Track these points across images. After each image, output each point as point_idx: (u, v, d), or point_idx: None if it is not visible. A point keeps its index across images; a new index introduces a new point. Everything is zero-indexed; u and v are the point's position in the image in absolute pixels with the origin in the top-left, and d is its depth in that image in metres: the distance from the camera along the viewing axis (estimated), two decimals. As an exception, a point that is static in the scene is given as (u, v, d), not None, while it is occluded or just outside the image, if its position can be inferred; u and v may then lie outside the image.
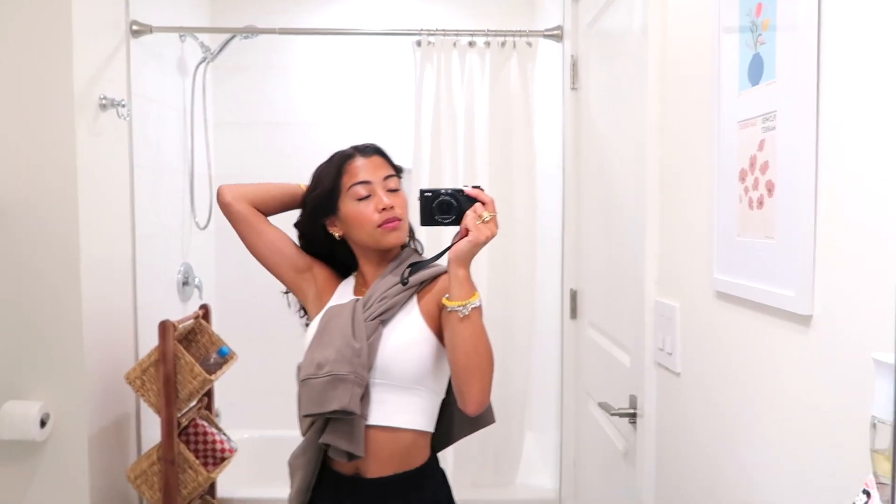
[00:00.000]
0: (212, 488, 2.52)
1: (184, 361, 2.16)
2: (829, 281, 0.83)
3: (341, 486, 1.34)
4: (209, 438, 2.36)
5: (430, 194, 1.26)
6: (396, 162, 1.46)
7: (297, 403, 1.34)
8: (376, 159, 1.40)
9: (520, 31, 2.51)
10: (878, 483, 0.63)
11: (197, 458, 2.29)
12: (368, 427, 1.30)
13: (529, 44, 2.52)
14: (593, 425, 2.04)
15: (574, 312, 2.33)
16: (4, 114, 2.01)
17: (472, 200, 1.25)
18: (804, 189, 0.86)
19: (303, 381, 1.28)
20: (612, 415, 1.62)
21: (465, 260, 1.23)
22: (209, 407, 2.52)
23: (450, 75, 2.51)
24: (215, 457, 2.35)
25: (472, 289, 1.24)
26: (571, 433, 2.37)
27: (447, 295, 1.25)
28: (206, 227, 2.96)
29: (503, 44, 2.51)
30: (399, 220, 1.36)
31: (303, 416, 1.31)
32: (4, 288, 2.03)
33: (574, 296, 2.33)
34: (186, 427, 2.35)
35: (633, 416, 1.59)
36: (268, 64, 3.25)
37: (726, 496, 1.12)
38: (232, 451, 2.38)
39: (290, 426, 3.16)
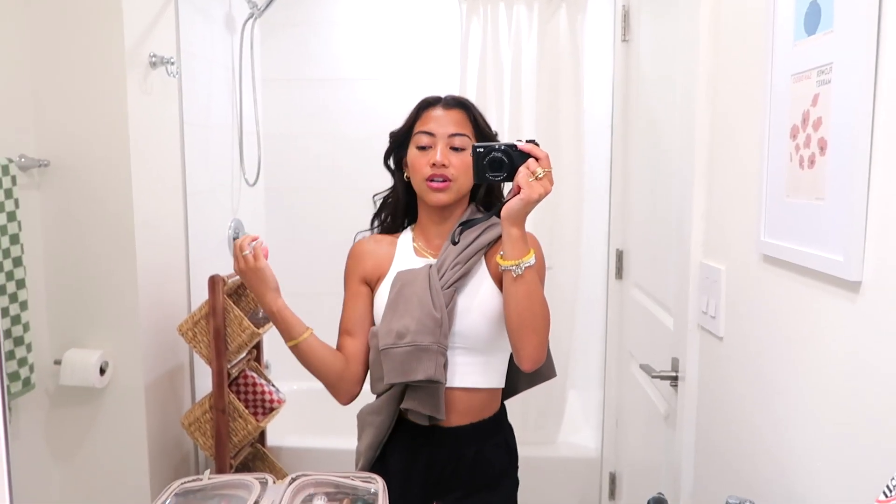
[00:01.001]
0: (262, 437, 2.61)
1: (233, 315, 2.22)
2: (881, 246, 0.78)
3: (417, 436, 1.37)
4: (258, 389, 2.43)
5: (482, 150, 1.22)
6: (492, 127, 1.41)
7: (371, 366, 1.38)
8: (455, 114, 1.37)
9: (569, -20, 2.42)
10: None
11: (247, 407, 2.38)
12: (447, 389, 1.33)
13: (579, -6, 2.43)
14: (635, 387, 2.02)
15: (620, 273, 2.29)
16: (57, 72, 2.06)
17: (525, 156, 1.20)
18: (858, 148, 0.81)
19: (384, 351, 1.29)
20: (654, 377, 1.60)
21: (518, 218, 1.19)
22: (258, 359, 2.59)
23: (496, 28, 2.45)
24: (264, 407, 2.43)
25: (525, 248, 1.21)
26: (614, 394, 2.36)
27: (501, 252, 1.24)
28: (254, 183, 3.00)
29: (552, -5, 2.43)
30: (448, 180, 1.33)
31: (386, 384, 1.32)
32: (62, 242, 2.11)
33: (620, 256, 2.29)
34: (237, 378, 2.43)
35: (674, 380, 1.57)
36: (315, 19, 3.24)
37: (765, 465, 1.09)
38: (280, 401, 2.46)
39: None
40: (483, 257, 1.36)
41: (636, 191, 2.10)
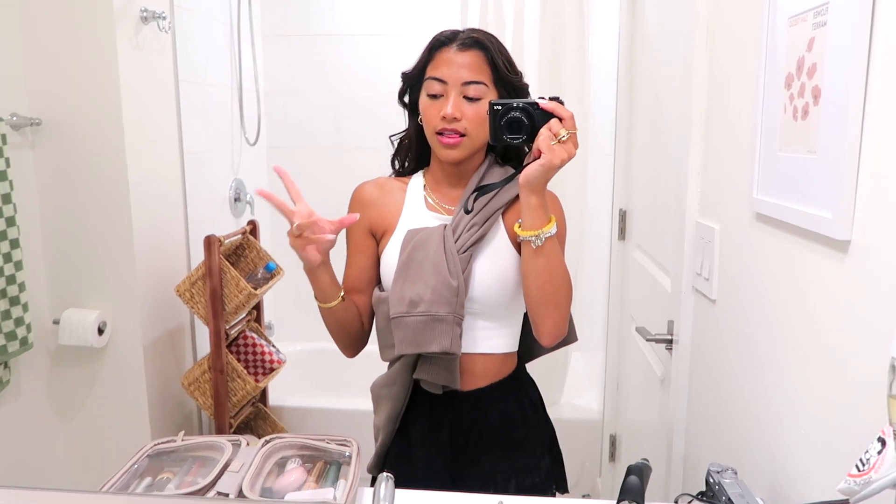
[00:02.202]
0: (264, 396, 2.62)
1: (230, 276, 2.21)
2: (872, 204, 0.73)
3: (436, 403, 1.29)
4: (258, 350, 2.43)
5: (499, 108, 1.10)
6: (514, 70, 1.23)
7: (379, 332, 1.30)
8: (472, 56, 1.19)
9: (575, -72, 2.31)
10: (895, 431, 0.56)
11: (246, 368, 2.38)
12: (462, 355, 1.25)
13: (585, -57, 2.32)
14: (635, 349, 1.99)
15: (622, 233, 2.24)
16: (46, 29, 2.01)
17: (547, 115, 1.07)
18: (851, 97, 0.75)
19: (396, 319, 1.20)
20: (648, 340, 1.56)
21: (538, 185, 1.08)
22: (258, 320, 2.59)
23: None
24: (264, 367, 2.43)
25: (545, 216, 1.11)
26: (615, 356, 2.32)
27: (519, 221, 1.14)
28: (255, 143, 2.96)
29: (556, -56, 2.33)
30: (460, 135, 1.19)
31: (398, 353, 1.23)
32: (58, 202, 2.10)
33: (623, 216, 2.23)
34: (236, 338, 2.43)
35: (669, 343, 1.53)
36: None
37: (750, 431, 1.06)
38: (280, 362, 2.46)
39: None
40: (500, 217, 1.26)
41: (639, 149, 2.03)
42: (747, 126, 1.08)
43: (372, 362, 1.38)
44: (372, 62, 3.17)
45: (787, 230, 0.93)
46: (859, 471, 0.56)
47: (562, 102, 1.09)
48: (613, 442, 2.38)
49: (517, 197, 1.21)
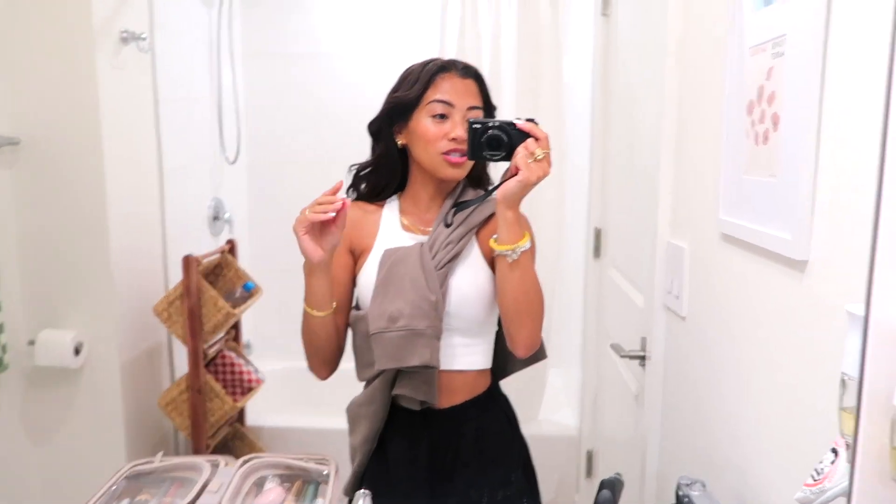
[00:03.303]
0: (241, 416, 2.61)
1: (208, 295, 2.21)
2: (827, 225, 0.76)
3: (414, 421, 1.31)
4: (236, 369, 2.43)
5: (479, 126, 1.15)
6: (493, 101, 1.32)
7: (356, 351, 1.32)
8: (471, 84, 1.28)
9: (550, -46, 2.37)
10: (846, 442, 0.59)
11: (224, 388, 2.37)
12: (439, 372, 1.27)
13: (560, -33, 2.38)
14: (611, 366, 2.02)
15: (598, 251, 2.27)
16: (24, 47, 2.02)
17: (524, 135, 1.13)
18: (807, 123, 0.79)
19: (375, 335, 1.22)
20: (623, 356, 1.59)
21: (514, 201, 1.13)
22: (237, 339, 2.58)
23: (475, 3, 2.40)
24: (242, 387, 2.42)
25: (521, 231, 1.17)
26: (592, 373, 2.35)
27: (495, 236, 1.18)
28: (235, 161, 2.97)
29: (532, -32, 2.38)
30: (465, 156, 1.23)
31: (377, 370, 1.25)
32: (35, 222, 2.09)
33: (598, 234, 2.27)
34: (214, 358, 2.42)
35: (642, 359, 1.56)
36: (296, -7, 3.18)
37: (720, 445, 1.08)
38: (259, 381, 2.45)
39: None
40: (475, 236, 1.30)
41: (614, 169, 2.07)
42: (713, 149, 1.11)
43: (350, 381, 1.39)
44: (351, 80, 3.20)
45: (751, 250, 0.97)
46: (814, 480, 0.59)
47: (536, 123, 1.14)
48: (590, 457, 2.40)
49: (490, 216, 1.28)
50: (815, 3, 0.77)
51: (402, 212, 1.35)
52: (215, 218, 2.89)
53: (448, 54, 2.45)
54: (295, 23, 3.20)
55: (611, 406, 2.07)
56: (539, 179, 1.11)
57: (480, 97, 1.29)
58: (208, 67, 2.86)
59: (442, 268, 1.24)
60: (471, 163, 1.29)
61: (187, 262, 2.17)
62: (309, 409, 2.91)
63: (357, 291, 1.32)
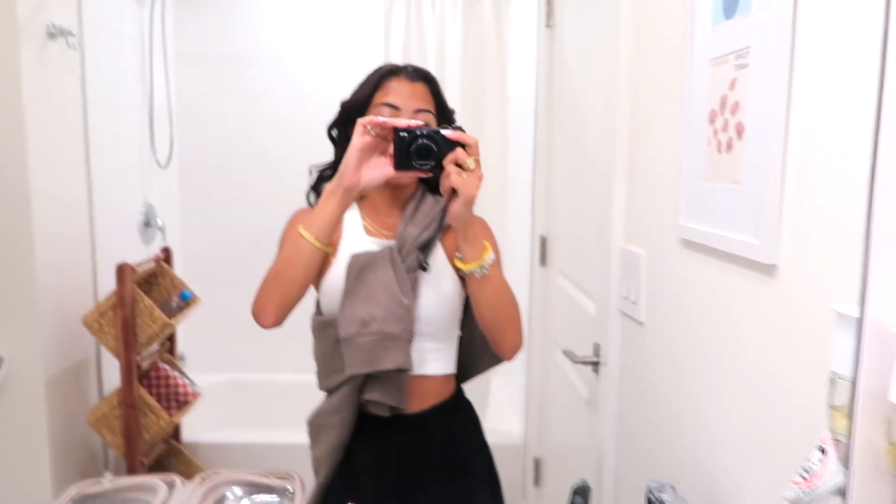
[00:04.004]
0: (177, 432, 2.50)
1: (143, 305, 2.10)
2: (796, 230, 0.79)
3: (382, 429, 1.28)
4: (171, 382, 2.32)
5: (405, 135, 1.11)
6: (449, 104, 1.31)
7: (320, 359, 1.28)
8: (419, 87, 1.26)
9: (495, -36, 2.40)
10: (835, 440, 0.61)
11: (159, 402, 2.26)
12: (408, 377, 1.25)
13: (504, -22, 2.41)
14: (559, 373, 2.04)
15: (543, 259, 2.30)
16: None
17: (451, 143, 1.10)
18: (775, 131, 0.82)
19: (347, 340, 1.19)
20: (576, 362, 1.61)
21: (466, 219, 1.11)
22: (171, 351, 2.47)
23: (420, 12, 2.40)
24: (178, 401, 2.32)
25: (482, 245, 1.15)
26: (537, 380, 2.37)
27: (458, 255, 1.17)
28: (166, 165, 2.85)
29: (477, -22, 2.40)
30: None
31: (347, 375, 1.22)
32: (-50, 227, 1.94)
33: (544, 242, 2.29)
34: (148, 371, 2.31)
35: (595, 365, 1.58)
36: (232, -5, 3.09)
37: (684, 449, 1.11)
38: (195, 395, 2.35)
39: (258, 370, 3.16)
40: (440, 241, 1.29)
41: (560, 177, 2.10)
42: (671, 157, 1.14)
43: (289, 394, 1.34)
44: (289, 85, 3.14)
45: (714, 255, 0.99)
46: (804, 479, 0.60)
47: (464, 130, 1.12)
48: (538, 465, 2.41)
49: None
50: (781, 17, 0.80)
51: (362, 216, 1.32)
52: (146, 224, 2.77)
53: (392, 60, 2.43)
54: (230, 24, 3.12)
55: (559, 413, 2.09)
56: (477, 189, 1.09)
57: (432, 100, 1.28)
58: (139, 68, 2.74)
59: (411, 273, 1.22)
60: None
61: (121, 270, 2.06)
62: (247, 423, 2.82)
63: (320, 296, 1.29)
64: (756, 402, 0.88)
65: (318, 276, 1.28)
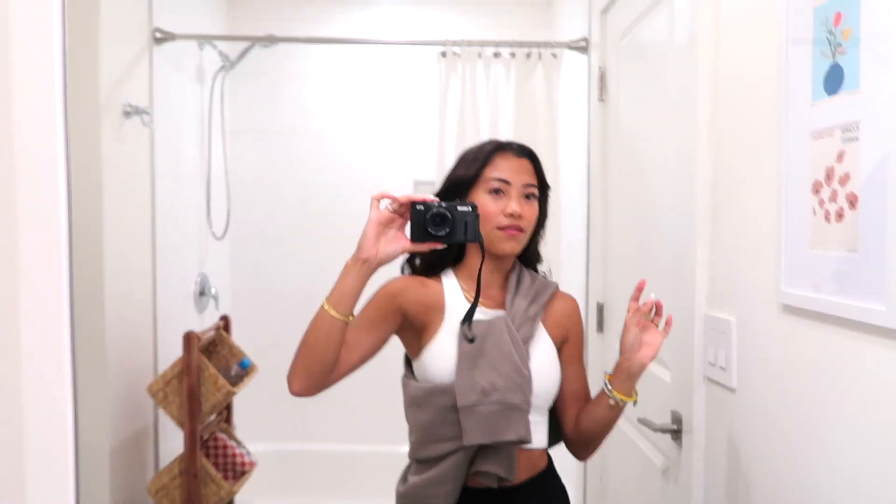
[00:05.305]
0: (230, 501, 2.47)
1: (208, 373, 2.13)
2: (927, 296, 0.81)
3: (482, 500, 1.29)
4: (229, 452, 2.32)
5: (422, 208, 1.18)
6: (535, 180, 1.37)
7: (423, 427, 1.28)
8: (526, 163, 1.34)
9: (545, 42, 2.50)
10: None
11: (217, 471, 2.25)
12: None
13: (554, 55, 2.51)
14: (623, 441, 2.01)
15: (601, 326, 2.31)
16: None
17: (465, 213, 1.18)
18: (893, 202, 0.84)
19: (466, 409, 1.21)
20: (655, 430, 1.59)
21: (642, 369, 1.27)
22: (228, 420, 2.48)
23: (474, 86, 2.51)
24: (235, 470, 2.31)
25: (634, 391, 1.29)
26: (599, 450, 2.33)
27: (608, 372, 1.29)
28: (222, 236, 2.92)
29: (528, 55, 2.51)
30: (521, 230, 1.30)
31: (465, 444, 1.22)
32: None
33: (601, 309, 2.30)
34: (207, 440, 2.31)
35: (675, 433, 1.57)
36: (285, 71, 3.24)
37: (794, 516, 1.09)
38: (252, 464, 2.34)
39: (304, 439, 3.13)
40: (539, 319, 1.35)
41: (619, 244, 2.13)
42: (764, 225, 1.17)
43: (338, 462, 1.33)
44: (339, 158, 3.24)
45: (825, 320, 1.01)
46: None
47: (476, 208, 1.21)
48: (599, 537, 2.35)
49: (551, 298, 1.37)
50: (893, 95, 0.84)
51: (462, 287, 1.35)
52: (201, 293, 2.82)
53: (447, 134, 2.52)
54: (285, 100, 3.25)
55: (626, 483, 2.05)
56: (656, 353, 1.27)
57: (535, 175, 1.35)
58: (199, 143, 2.85)
59: (526, 343, 1.25)
60: (525, 240, 1.33)
61: (188, 339, 2.10)
62: (294, 492, 2.79)
63: (421, 363, 1.30)
64: (880, 477, 0.88)
65: (415, 343, 1.31)
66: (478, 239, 1.21)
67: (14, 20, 0.80)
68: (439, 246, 1.19)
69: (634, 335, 1.26)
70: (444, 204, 1.18)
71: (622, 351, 1.28)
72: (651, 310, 1.29)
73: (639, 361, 1.25)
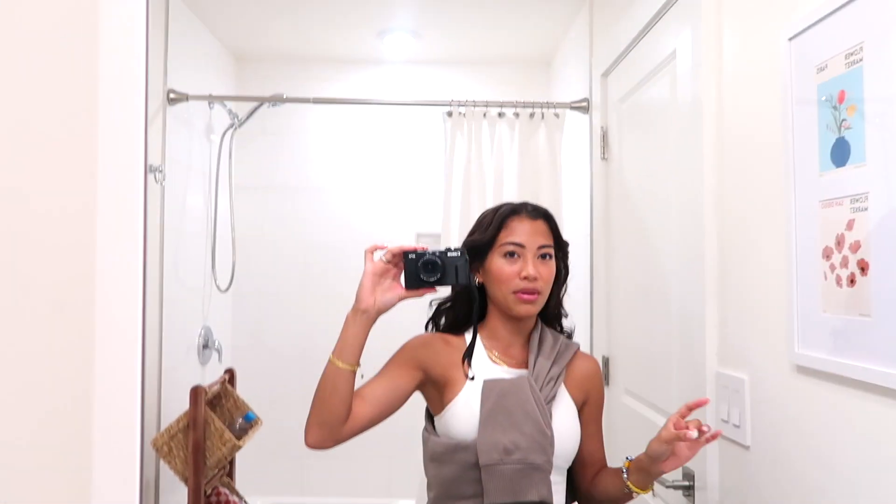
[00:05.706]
0: (230, 561, 2.43)
1: (214, 427, 2.12)
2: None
3: None
4: (232, 508, 2.29)
5: (413, 256, 1.24)
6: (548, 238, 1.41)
7: (443, 483, 1.29)
8: (540, 225, 1.37)
9: (547, 102, 2.59)
10: None
11: (220, 529, 2.22)
12: None
13: (557, 115, 2.60)
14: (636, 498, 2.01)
15: (606, 379, 2.33)
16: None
17: (455, 259, 1.25)
18: (905, 269, 0.89)
19: (489, 467, 1.22)
20: (668, 487, 1.61)
21: (658, 477, 1.29)
22: (230, 473, 2.45)
23: (479, 144, 2.58)
24: (238, 528, 2.28)
25: (650, 485, 1.31)
26: None
27: (628, 457, 1.31)
28: (227, 289, 2.94)
29: (531, 114, 2.59)
30: (537, 293, 1.32)
31: (489, 503, 1.23)
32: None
33: (606, 362, 2.33)
34: (209, 494, 2.28)
35: (687, 489, 1.58)
36: (292, 129, 3.32)
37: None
38: (255, 521, 2.31)
39: (305, 493, 3.09)
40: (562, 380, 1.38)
41: (623, 299, 2.17)
42: (777, 289, 1.21)
43: None
44: (342, 214, 3.29)
45: (838, 381, 1.04)
46: None
47: (465, 253, 1.27)
48: None
49: (572, 358, 1.40)
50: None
51: (486, 347, 1.38)
52: (205, 346, 2.82)
53: (453, 191, 2.58)
54: (290, 157, 3.32)
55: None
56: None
57: (551, 235, 1.39)
58: (205, 199, 2.89)
59: (548, 403, 1.27)
60: (543, 301, 1.36)
61: (196, 393, 2.10)
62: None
63: (444, 420, 1.31)
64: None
65: (438, 399, 1.33)
66: (469, 282, 1.28)
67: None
68: (432, 292, 1.25)
69: (667, 448, 1.22)
70: (434, 251, 1.24)
71: (649, 450, 1.25)
72: (695, 429, 1.19)
73: (660, 469, 1.25)
